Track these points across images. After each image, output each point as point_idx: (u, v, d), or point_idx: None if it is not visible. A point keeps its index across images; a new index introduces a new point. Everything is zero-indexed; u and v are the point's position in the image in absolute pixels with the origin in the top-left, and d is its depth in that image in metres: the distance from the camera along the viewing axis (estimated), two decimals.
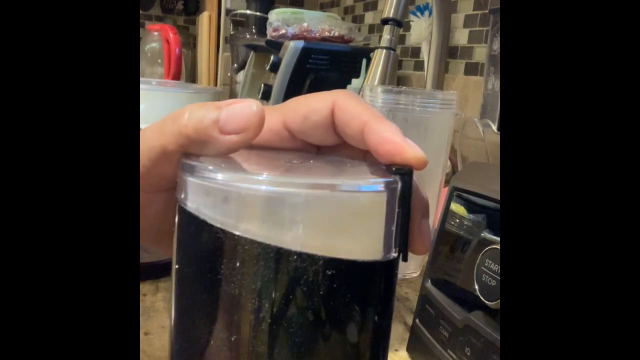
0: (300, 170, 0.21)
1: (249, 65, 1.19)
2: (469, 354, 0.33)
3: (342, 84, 0.98)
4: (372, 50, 0.74)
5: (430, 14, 0.96)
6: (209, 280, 0.18)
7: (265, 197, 0.18)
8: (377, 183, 0.19)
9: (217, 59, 1.53)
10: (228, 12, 1.49)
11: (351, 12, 1.46)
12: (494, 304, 0.32)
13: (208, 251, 0.18)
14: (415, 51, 1.09)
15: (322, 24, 1.10)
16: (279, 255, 0.18)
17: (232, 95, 1.37)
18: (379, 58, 0.70)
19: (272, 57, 0.97)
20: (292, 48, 0.96)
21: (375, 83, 0.70)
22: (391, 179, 0.19)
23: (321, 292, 0.18)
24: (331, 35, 1.09)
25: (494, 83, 0.76)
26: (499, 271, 0.32)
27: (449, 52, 0.94)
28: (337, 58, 1.00)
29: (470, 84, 0.91)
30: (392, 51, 0.70)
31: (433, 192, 0.57)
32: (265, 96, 0.96)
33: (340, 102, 0.22)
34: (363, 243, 0.19)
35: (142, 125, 0.22)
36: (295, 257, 0.18)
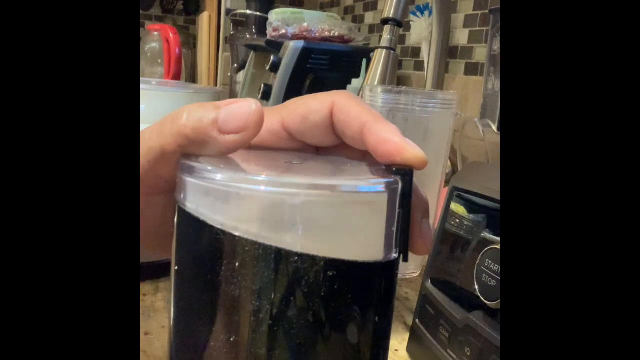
0: (300, 170, 0.21)
1: (249, 65, 1.19)
2: (469, 354, 0.33)
3: (342, 84, 0.98)
4: (372, 50, 0.74)
5: (430, 14, 0.96)
6: (208, 281, 0.18)
7: (265, 197, 0.18)
8: (378, 183, 0.19)
9: (217, 59, 1.53)
10: (228, 12, 1.49)
11: (351, 12, 1.46)
12: (494, 304, 0.32)
13: (207, 252, 0.18)
14: (415, 51, 1.09)
15: (322, 24, 1.10)
16: (279, 256, 0.18)
17: (232, 95, 1.37)
18: (379, 58, 0.70)
19: (272, 57, 0.96)
20: (292, 48, 0.95)
21: (375, 83, 0.70)
22: (392, 180, 0.19)
23: (321, 293, 0.18)
24: (331, 35, 1.09)
25: (494, 83, 0.76)
26: (499, 271, 0.32)
27: (449, 52, 0.94)
28: (337, 58, 0.99)
29: (470, 84, 0.91)
30: (392, 51, 0.70)
31: (433, 192, 0.57)
32: (265, 96, 0.96)
33: (339, 103, 0.22)
34: (363, 244, 0.19)
35: (142, 126, 0.22)
36: (295, 258, 0.18)
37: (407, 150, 0.20)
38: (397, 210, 0.19)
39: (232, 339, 0.18)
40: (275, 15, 1.12)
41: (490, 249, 0.33)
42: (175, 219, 0.20)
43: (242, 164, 0.21)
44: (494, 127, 0.72)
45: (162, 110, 0.25)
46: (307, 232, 0.18)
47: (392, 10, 0.69)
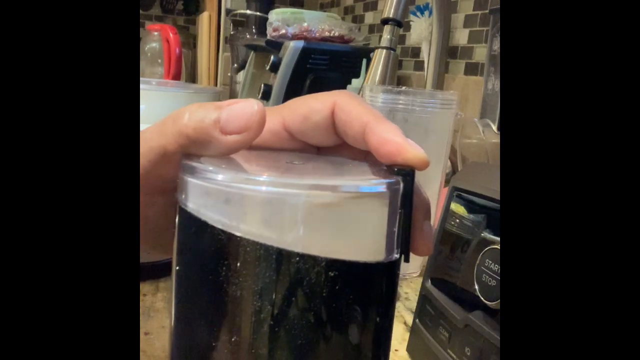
0: (301, 171, 0.21)
1: (249, 65, 1.19)
2: (469, 354, 0.33)
3: (342, 84, 0.98)
4: (372, 50, 0.74)
5: (430, 14, 0.96)
6: (209, 281, 0.18)
7: (266, 198, 0.18)
8: (379, 184, 0.19)
9: (217, 59, 1.53)
10: (228, 12, 1.49)
11: (351, 12, 1.46)
12: (494, 304, 0.32)
13: (209, 252, 0.18)
14: (415, 51, 1.09)
15: (322, 24, 1.10)
16: (280, 256, 0.18)
17: (232, 95, 1.37)
18: (379, 58, 0.70)
19: (272, 57, 0.96)
20: (292, 48, 0.95)
21: (375, 83, 0.70)
22: (393, 180, 0.19)
23: (323, 294, 0.18)
24: (331, 35, 1.09)
25: (494, 83, 0.76)
26: (499, 271, 0.32)
27: (449, 52, 0.94)
28: (337, 58, 1.00)
29: (470, 84, 0.91)
30: (392, 51, 0.70)
31: (433, 192, 0.57)
32: (265, 96, 0.96)
33: (340, 102, 0.22)
34: (365, 244, 0.19)
35: (142, 126, 0.22)
36: (296, 258, 0.18)
37: (409, 150, 0.20)
38: (399, 211, 0.19)
39: (233, 339, 0.18)
40: (275, 15, 1.12)
41: (490, 249, 0.33)
42: (177, 219, 0.20)
43: (244, 164, 0.21)
44: (494, 127, 0.72)
45: (162, 110, 0.25)
46: (308, 232, 0.18)
47: (392, 10, 0.69)
